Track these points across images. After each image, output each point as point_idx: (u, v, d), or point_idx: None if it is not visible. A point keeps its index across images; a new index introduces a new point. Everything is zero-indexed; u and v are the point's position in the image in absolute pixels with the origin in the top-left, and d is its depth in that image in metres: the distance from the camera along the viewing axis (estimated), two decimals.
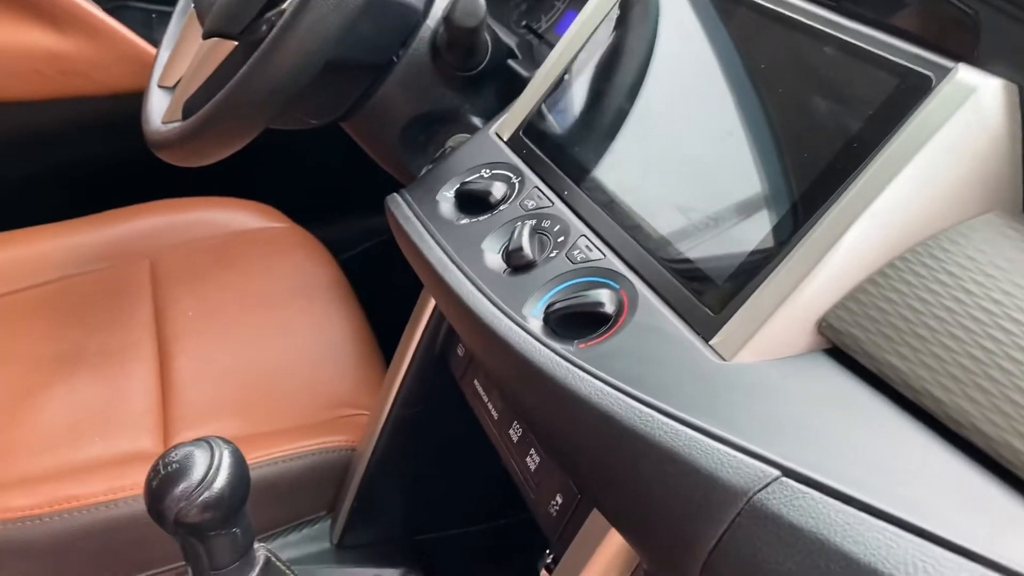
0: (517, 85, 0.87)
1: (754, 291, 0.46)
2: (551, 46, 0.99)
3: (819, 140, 0.47)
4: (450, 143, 0.89)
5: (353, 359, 0.99)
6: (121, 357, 0.99)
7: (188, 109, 0.83)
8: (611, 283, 0.52)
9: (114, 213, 1.22)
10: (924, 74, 0.44)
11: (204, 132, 0.75)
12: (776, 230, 0.47)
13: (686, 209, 0.52)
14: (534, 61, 0.92)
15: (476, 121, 0.89)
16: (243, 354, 0.99)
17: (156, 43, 1.24)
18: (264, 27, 0.76)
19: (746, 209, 0.49)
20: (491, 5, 1.11)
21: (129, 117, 1.28)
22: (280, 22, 0.67)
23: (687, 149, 0.55)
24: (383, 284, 1.40)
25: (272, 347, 1.00)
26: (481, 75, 0.86)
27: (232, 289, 1.10)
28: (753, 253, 0.47)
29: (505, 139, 0.69)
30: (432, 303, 0.77)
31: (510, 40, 0.91)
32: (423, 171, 0.83)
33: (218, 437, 0.55)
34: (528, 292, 0.54)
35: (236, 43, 0.79)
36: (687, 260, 0.50)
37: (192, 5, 0.98)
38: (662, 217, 0.54)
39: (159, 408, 0.92)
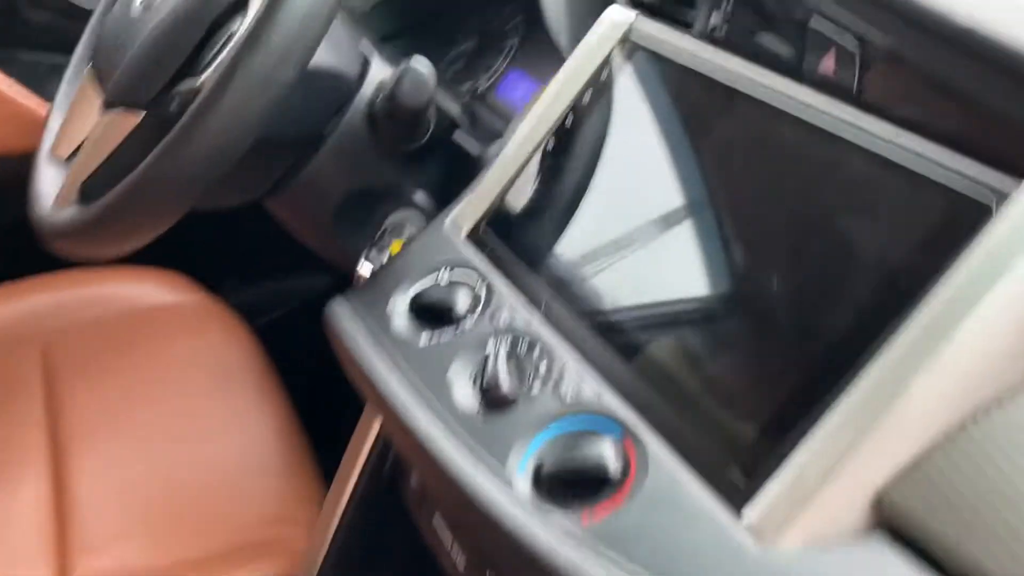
0: (463, 159, 0.79)
1: (792, 453, 0.38)
2: (496, 112, 0.92)
3: (854, 270, 0.40)
4: (390, 221, 0.80)
5: (280, 464, 0.88)
6: (6, 468, 0.85)
7: (86, 191, 0.72)
8: (613, 431, 0.44)
9: None
10: (980, 202, 0.38)
11: (106, 224, 0.64)
12: (813, 374, 0.39)
13: (696, 336, 0.45)
14: (480, 130, 0.84)
15: (418, 198, 0.80)
16: (153, 461, 0.86)
17: (48, 99, 1.12)
18: (175, 102, 0.66)
19: (771, 343, 0.42)
20: None
21: (13, 180, 1.14)
22: (197, 101, 0.57)
23: (690, 264, 0.47)
24: (303, 355, 1.29)
25: (188, 451, 0.88)
26: (424, 148, 0.77)
27: (139, 381, 0.97)
28: (787, 401, 0.40)
29: (464, 233, 0.60)
30: (378, 422, 0.68)
31: (453, 108, 0.83)
32: (363, 255, 0.74)
33: None
34: (510, 439, 0.45)
35: (141, 116, 0.69)
36: (703, 403, 0.43)
37: (89, 64, 0.87)
38: (667, 343, 0.46)
39: (54, 532, 0.79)
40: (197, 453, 0.87)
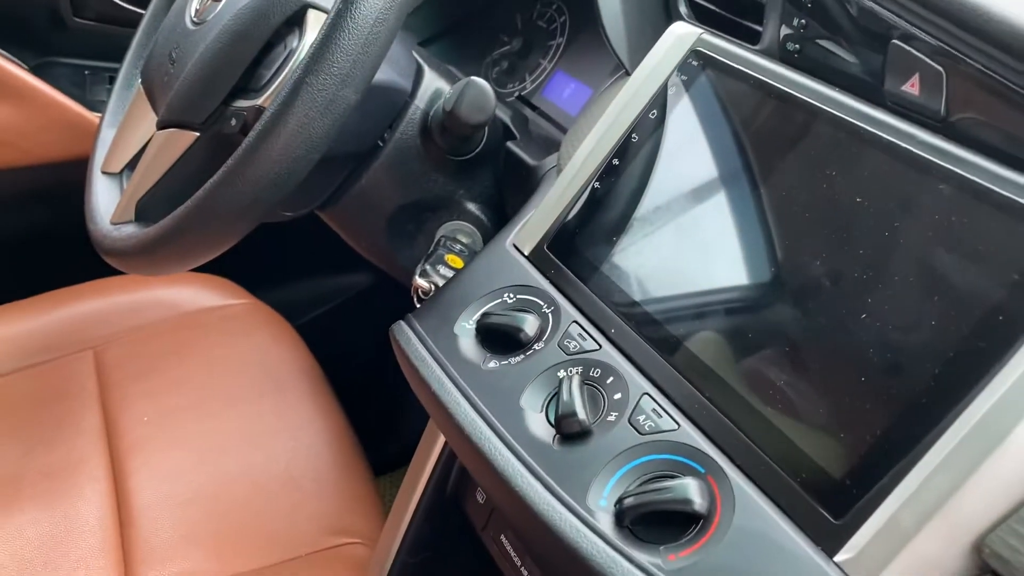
0: (517, 169, 0.78)
1: (887, 495, 0.37)
2: (547, 117, 0.91)
3: (949, 305, 0.39)
4: (442, 231, 0.80)
5: (335, 470, 0.89)
6: (68, 479, 0.86)
7: (143, 209, 0.72)
8: (695, 465, 0.43)
9: (49, 296, 1.09)
10: None
11: (169, 244, 0.64)
12: (907, 414, 0.39)
13: (776, 368, 0.44)
14: (532, 138, 0.83)
15: (471, 207, 0.80)
16: (210, 470, 0.87)
17: (91, 105, 1.12)
18: (233, 121, 0.66)
19: (860, 379, 0.41)
20: (468, 64, 1.03)
21: (62, 187, 1.15)
22: (260, 124, 0.57)
23: (769, 290, 0.46)
24: (349, 352, 1.29)
25: (243, 460, 0.88)
26: (477, 158, 0.77)
27: (191, 385, 0.98)
28: (879, 441, 0.39)
29: (526, 253, 0.59)
30: (441, 440, 0.68)
31: (504, 115, 0.82)
32: (418, 270, 0.74)
33: None
34: (588, 472, 0.45)
35: (196, 135, 0.69)
36: (787, 439, 0.42)
37: (139, 78, 0.87)
38: (745, 376, 0.45)
39: (116, 543, 0.80)
40: (253, 461, 0.88)
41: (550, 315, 0.54)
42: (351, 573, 0.75)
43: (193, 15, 0.72)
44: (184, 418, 0.93)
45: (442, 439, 0.67)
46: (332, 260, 1.40)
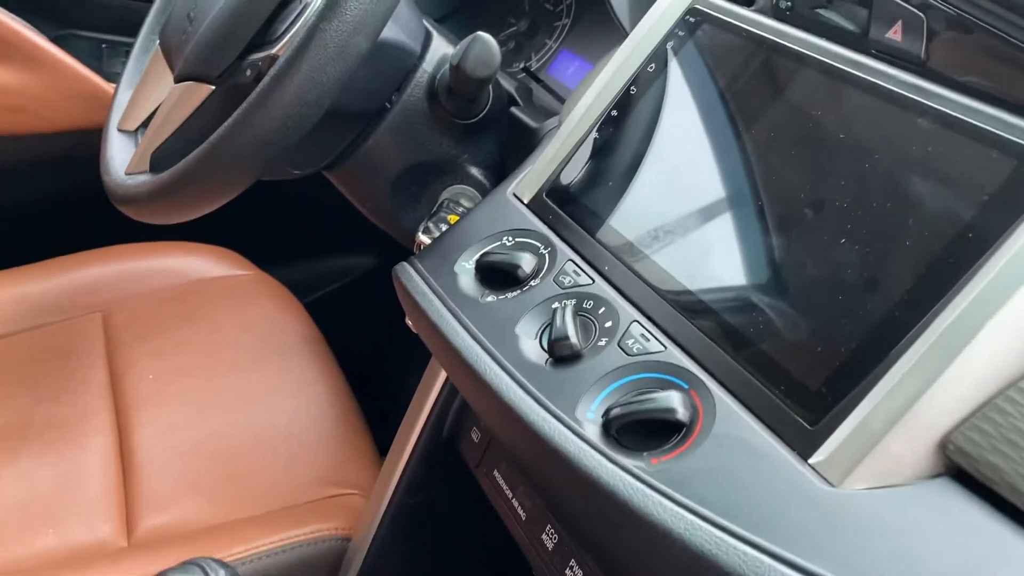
0: (520, 134, 0.81)
1: (860, 401, 0.39)
2: (550, 91, 0.94)
3: (922, 226, 0.41)
4: (446, 194, 0.82)
5: (335, 427, 0.91)
6: (74, 430, 0.88)
7: (157, 160, 0.75)
8: (679, 382, 0.45)
9: (61, 261, 1.11)
10: None
11: (182, 188, 0.66)
12: (881, 327, 0.41)
13: (759, 293, 0.46)
14: (535, 107, 0.85)
15: (474, 172, 0.82)
16: (212, 424, 0.89)
17: (108, 76, 1.15)
18: (248, 72, 0.68)
19: (838, 298, 0.43)
20: None
21: (78, 156, 1.18)
22: (274, 69, 0.60)
23: (755, 223, 0.49)
24: (353, 331, 1.32)
25: (245, 415, 0.91)
26: (481, 123, 0.79)
27: (196, 347, 1.00)
28: (854, 353, 0.41)
29: (526, 201, 0.62)
30: (440, 379, 0.70)
31: (509, 85, 0.84)
32: (421, 228, 0.76)
33: (211, 559, 0.47)
34: (579, 389, 0.47)
35: (212, 88, 0.71)
36: (767, 356, 0.44)
37: (156, 42, 0.90)
38: (729, 301, 0.47)
39: (119, 491, 0.83)
40: (253, 417, 0.90)
41: (547, 255, 0.57)
42: (348, 522, 0.77)
43: None
44: (188, 376, 0.95)
45: (439, 383, 0.69)
46: (337, 241, 1.43)
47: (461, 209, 0.79)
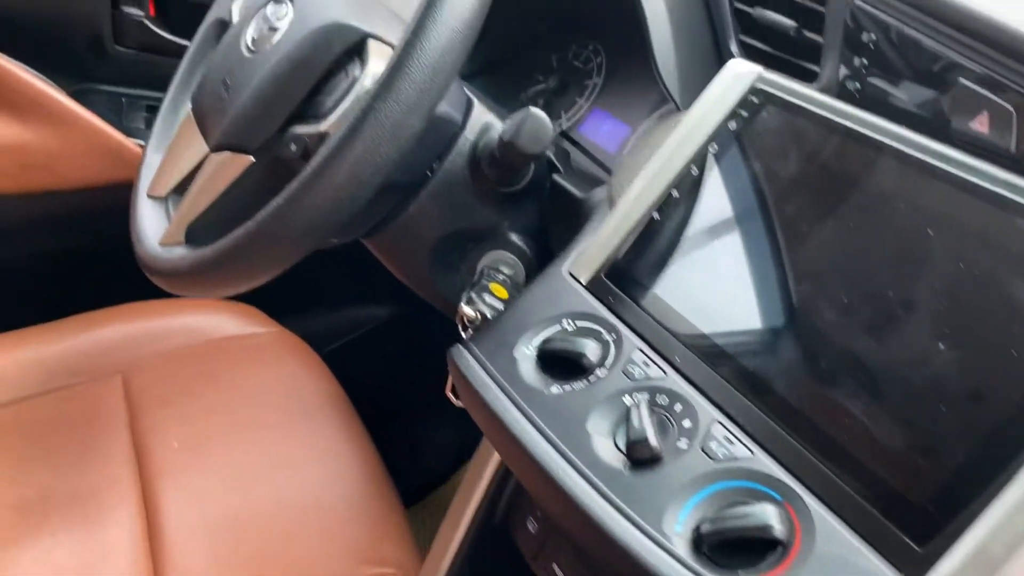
0: (563, 201, 0.79)
1: (974, 521, 0.38)
2: (586, 153, 0.93)
3: None
4: (485, 261, 0.81)
5: (366, 497, 0.88)
6: (98, 502, 0.85)
7: (193, 232, 0.73)
8: (772, 493, 0.43)
9: (78, 320, 1.09)
10: None
11: (227, 265, 0.64)
12: (993, 439, 0.39)
13: (851, 396, 0.44)
14: (574, 172, 0.84)
15: (515, 238, 0.80)
16: (241, 496, 0.87)
17: (128, 131, 1.13)
18: (293, 146, 0.67)
19: (939, 406, 0.41)
20: (504, 101, 1.04)
21: (94, 212, 1.16)
22: (326, 148, 0.58)
23: (839, 321, 0.47)
24: (371, 382, 1.30)
25: (274, 486, 0.88)
26: (523, 190, 0.78)
27: (220, 411, 0.98)
28: (964, 466, 0.39)
29: (583, 282, 0.60)
30: (492, 464, 0.68)
31: (548, 150, 0.83)
32: (464, 299, 0.74)
33: None
34: (663, 498, 0.45)
35: (251, 160, 0.70)
36: (865, 466, 0.42)
37: (185, 104, 0.88)
38: (818, 404, 0.45)
39: (148, 568, 0.80)
40: (283, 487, 0.88)
41: (611, 342, 0.55)
42: None
43: (249, 43, 0.73)
44: (213, 444, 0.93)
45: (491, 468, 0.67)
46: (354, 291, 1.41)
47: (501, 277, 0.78)
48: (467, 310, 0.73)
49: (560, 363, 0.55)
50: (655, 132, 0.70)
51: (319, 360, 1.10)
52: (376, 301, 1.43)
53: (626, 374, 0.52)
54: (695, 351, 0.51)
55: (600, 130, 0.95)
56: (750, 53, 0.68)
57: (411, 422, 1.31)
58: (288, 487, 0.88)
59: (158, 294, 1.12)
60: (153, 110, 1.18)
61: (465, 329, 0.70)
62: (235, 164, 0.71)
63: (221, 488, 0.87)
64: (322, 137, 0.64)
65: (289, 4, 0.73)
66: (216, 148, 0.71)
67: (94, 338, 1.06)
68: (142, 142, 1.13)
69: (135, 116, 1.15)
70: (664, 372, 0.52)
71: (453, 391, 0.72)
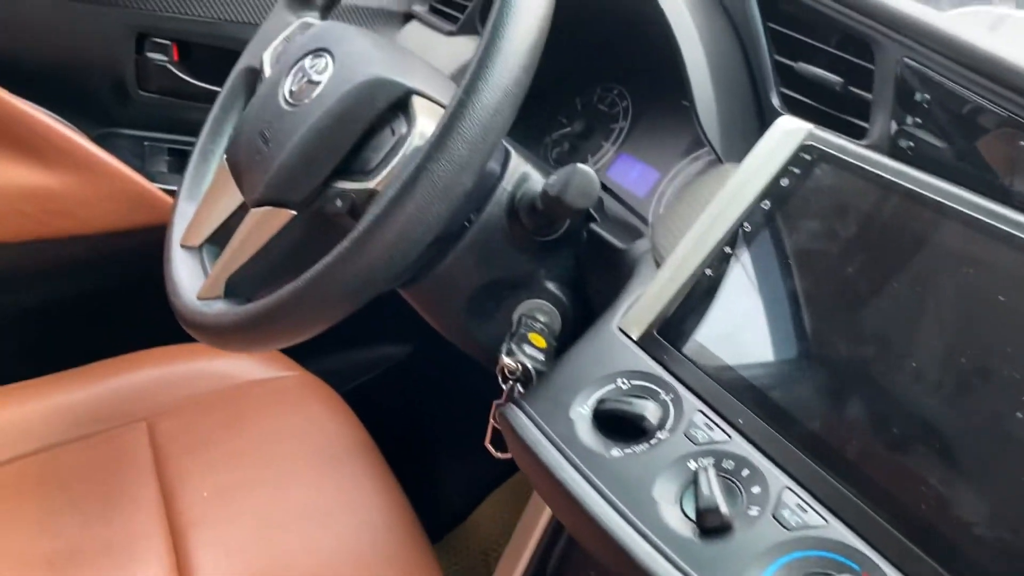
0: (600, 250, 0.79)
1: None
2: (618, 199, 0.93)
3: None
4: (521, 310, 0.81)
5: (396, 542, 0.87)
6: (128, 556, 0.84)
7: (233, 286, 0.73)
8: (851, 564, 0.43)
9: (102, 366, 1.08)
10: None
11: (274, 322, 0.64)
12: None
13: (930, 465, 0.44)
14: (609, 219, 0.84)
15: (551, 287, 0.80)
16: (274, 547, 0.86)
17: (151, 176, 1.13)
18: (339, 202, 0.67)
19: (1019, 478, 0.41)
20: (529, 144, 1.05)
21: (117, 256, 1.15)
22: (378, 207, 0.58)
23: (908, 384, 0.47)
24: (392, 420, 1.29)
25: (306, 536, 0.87)
26: (560, 239, 0.78)
27: (248, 459, 0.97)
28: None
29: (635, 338, 0.60)
30: (543, 520, 0.67)
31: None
32: (504, 350, 0.74)
33: None
34: (736, 567, 0.45)
35: (293, 213, 0.70)
36: (944, 537, 0.42)
37: (217, 154, 0.88)
38: (892, 471, 0.45)
39: None
40: (315, 538, 0.87)
41: (670, 403, 0.54)
42: None
43: (288, 96, 0.73)
44: (244, 493, 0.92)
45: (542, 523, 0.66)
46: (373, 330, 1.40)
47: (539, 326, 0.78)
48: (508, 361, 0.72)
49: (617, 424, 0.54)
50: (696, 184, 0.70)
51: (343, 403, 1.09)
52: (394, 340, 1.43)
53: (689, 437, 0.52)
54: (758, 413, 0.51)
55: (629, 175, 0.95)
56: (792, 106, 0.68)
57: (431, 459, 1.30)
58: (318, 536, 0.87)
59: (180, 339, 1.12)
60: (175, 153, 1.18)
61: (505, 381, 0.70)
62: (276, 218, 0.70)
63: (251, 538, 0.86)
64: (371, 194, 0.64)
65: (328, 57, 0.73)
66: (258, 203, 0.71)
67: (118, 384, 1.06)
68: (165, 186, 1.14)
69: (158, 160, 1.15)
70: (728, 435, 0.51)
71: (493, 443, 0.72)
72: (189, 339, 1.13)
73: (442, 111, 0.70)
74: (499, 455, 0.71)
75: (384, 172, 0.64)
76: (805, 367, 0.51)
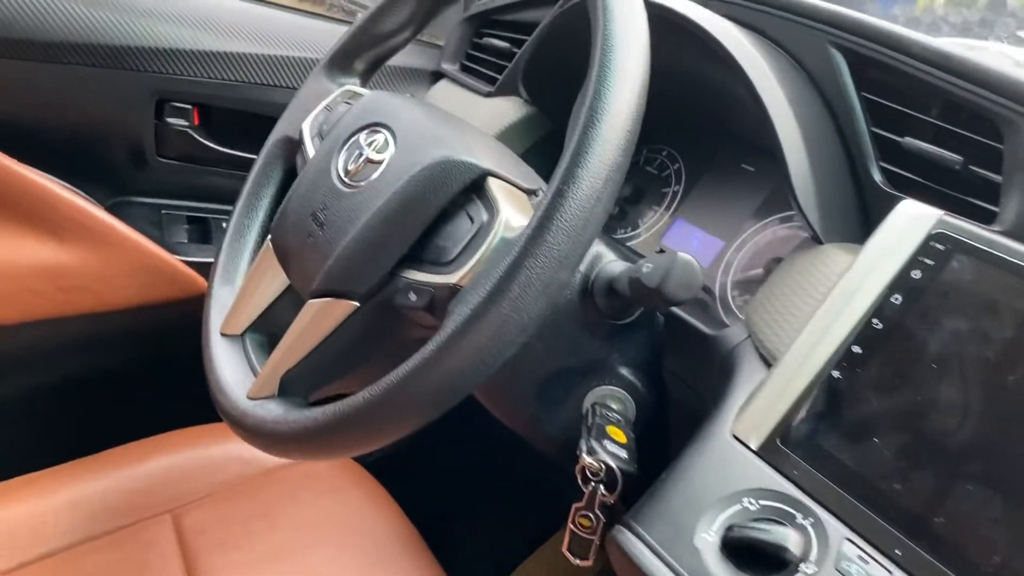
0: (682, 335, 0.74)
1: None
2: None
3: None
4: (592, 398, 0.75)
5: None
6: None
7: (288, 384, 0.66)
8: None
9: (120, 452, 1.00)
10: None
11: (344, 432, 0.57)
12: None
13: None
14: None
15: (624, 372, 0.74)
16: None
17: (170, 247, 1.07)
18: (413, 296, 0.61)
19: None
20: None
21: (135, 334, 1.08)
22: (468, 307, 0.52)
23: None
24: (421, 491, 1.22)
25: None
26: (633, 322, 0.72)
27: (285, 556, 0.89)
28: None
29: (754, 448, 0.54)
30: None
31: None
32: (584, 448, 0.68)
33: None
34: None
35: (354, 305, 0.63)
36: None
37: (254, 232, 0.82)
38: None
39: None
40: None
41: (810, 528, 0.49)
42: None
43: (343, 175, 0.67)
44: None
45: None
46: None
47: (614, 416, 0.72)
48: (589, 461, 0.66)
49: (753, 553, 0.48)
50: (793, 266, 0.65)
51: (378, 485, 1.02)
52: None
53: (842, 572, 0.46)
54: (917, 541, 0.45)
55: (690, 243, 0.90)
56: (895, 182, 0.63)
57: (462, 532, 1.23)
58: None
59: (203, 419, 1.05)
60: (194, 221, 1.12)
61: (586, 482, 0.64)
62: (336, 310, 0.64)
63: None
64: (454, 290, 0.58)
65: (387, 133, 0.68)
66: (316, 294, 0.65)
67: (138, 472, 0.98)
68: (186, 258, 1.07)
69: (176, 229, 1.09)
70: (888, 571, 0.45)
71: (570, 549, 0.66)
72: (213, 419, 1.06)
73: (521, 194, 0.64)
74: (579, 562, 0.65)
75: (468, 265, 0.58)
76: (971, 490, 0.46)
